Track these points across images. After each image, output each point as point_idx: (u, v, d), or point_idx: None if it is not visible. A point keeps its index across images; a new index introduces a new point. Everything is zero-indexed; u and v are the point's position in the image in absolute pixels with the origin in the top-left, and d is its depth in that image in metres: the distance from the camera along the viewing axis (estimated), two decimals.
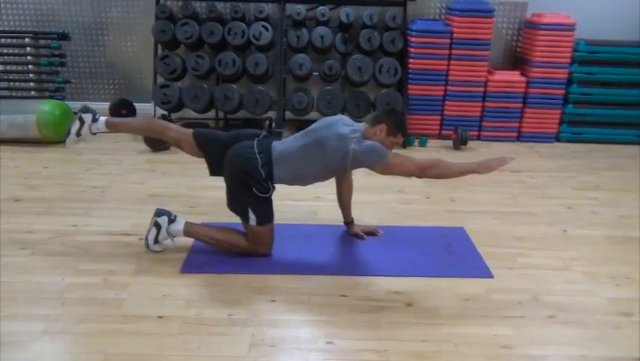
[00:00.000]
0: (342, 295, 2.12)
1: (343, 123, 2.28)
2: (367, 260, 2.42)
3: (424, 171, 2.19)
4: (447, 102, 4.35)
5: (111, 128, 2.51)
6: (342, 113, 4.22)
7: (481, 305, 2.08)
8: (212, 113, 4.39)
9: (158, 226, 2.32)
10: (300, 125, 4.64)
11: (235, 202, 2.31)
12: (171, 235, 2.35)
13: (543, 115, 4.40)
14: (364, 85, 4.25)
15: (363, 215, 2.83)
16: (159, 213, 2.34)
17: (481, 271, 2.33)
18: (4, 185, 3.19)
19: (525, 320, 1.99)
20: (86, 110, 2.47)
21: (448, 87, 4.31)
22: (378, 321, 1.95)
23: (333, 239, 2.60)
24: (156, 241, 2.35)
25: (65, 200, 3.00)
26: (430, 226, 2.79)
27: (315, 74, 4.24)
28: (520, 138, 4.48)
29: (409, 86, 4.27)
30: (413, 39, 4.20)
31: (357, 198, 2.71)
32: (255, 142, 2.28)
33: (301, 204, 3.00)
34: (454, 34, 4.17)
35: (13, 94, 4.39)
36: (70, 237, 2.55)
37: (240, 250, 2.35)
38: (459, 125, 4.25)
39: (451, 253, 2.49)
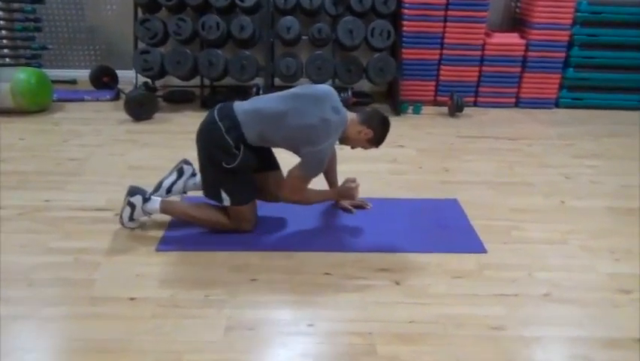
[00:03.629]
0: (327, 274, 2.00)
1: (333, 106, 2.09)
2: (355, 235, 2.30)
3: (294, 200, 2.21)
4: (442, 67, 4.16)
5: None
6: (333, 79, 4.04)
7: (473, 283, 1.97)
8: (197, 81, 4.20)
9: (132, 205, 2.19)
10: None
11: (208, 186, 2.18)
12: (147, 213, 2.22)
13: (542, 80, 4.21)
14: (356, 49, 4.04)
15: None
16: (132, 192, 2.19)
17: (473, 245, 2.22)
18: None
19: (519, 299, 1.88)
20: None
21: (444, 51, 4.11)
22: (363, 301, 1.85)
23: (320, 213, 2.48)
24: (131, 218, 2.21)
25: (40, 173, 2.85)
26: (422, 198, 2.66)
27: (304, 38, 4.02)
28: (518, 104, 4.31)
29: (403, 50, 4.07)
30: (407, 0, 3.98)
31: (346, 168, 2.58)
32: (215, 111, 2.12)
33: None
34: None
35: None
36: (42, 213, 2.41)
37: (221, 228, 2.23)
38: (455, 91, 4.08)
39: (443, 227, 2.37)
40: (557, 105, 4.34)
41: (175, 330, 1.68)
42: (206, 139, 2.10)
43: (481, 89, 4.24)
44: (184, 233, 2.25)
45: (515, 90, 4.26)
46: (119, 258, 2.07)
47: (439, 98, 4.25)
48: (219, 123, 2.06)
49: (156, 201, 2.21)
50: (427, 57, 4.13)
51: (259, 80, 4.10)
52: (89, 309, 1.77)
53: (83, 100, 4.23)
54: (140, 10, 4.08)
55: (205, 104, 4.06)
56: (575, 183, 2.91)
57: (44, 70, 4.24)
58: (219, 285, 1.92)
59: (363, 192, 2.65)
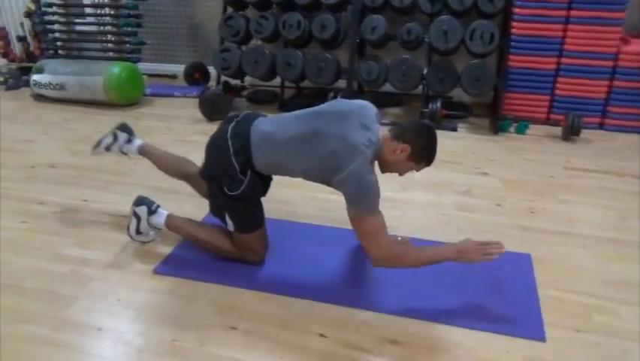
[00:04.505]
0: (321, 335, 1.63)
1: (360, 122, 1.70)
2: (375, 287, 1.87)
3: (384, 259, 1.69)
4: (560, 79, 3.42)
5: (145, 155, 2.33)
6: (424, 88, 3.55)
7: None
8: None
9: (137, 216, 2.03)
10: (378, 97, 4.07)
11: (213, 203, 1.93)
12: (153, 228, 2.05)
13: None
14: (451, 54, 3.50)
15: (403, 219, 2.26)
16: (138, 202, 2.04)
17: (529, 327, 1.66)
18: (53, 148, 3.20)
19: None
20: (122, 128, 2.32)
21: (563, 59, 3.36)
22: None
23: (345, 250, 2.09)
24: (138, 232, 2.06)
25: (95, 170, 2.88)
26: None
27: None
28: None
29: (510, 56, 3.42)
30: None
31: (403, 196, 2.15)
32: (231, 125, 1.84)
33: (320, 198, 2.49)
34: None
35: (93, 54, 4.45)
36: (73, 214, 2.39)
37: (227, 255, 1.97)
38: (574, 110, 3.32)
39: (497, 293, 1.83)
40: None
41: None
42: (213, 158, 1.85)
43: (610, 108, 3.40)
44: (190, 256, 2.04)
45: None
46: (113, 276, 1.93)
47: (552, 117, 3.51)
48: (229, 142, 1.80)
49: (162, 215, 2.03)
50: (541, 66, 3.42)
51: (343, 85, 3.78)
52: (52, 335, 1.63)
53: (172, 96, 4.31)
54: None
55: (284, 106, 3.85)
56: None
57: (147, 64, 4.43)
58: (194, 329, 1.66)
59: (411, 229, 2.20)
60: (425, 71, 3.49)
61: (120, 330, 1.65)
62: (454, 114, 3.60)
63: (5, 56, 5.03)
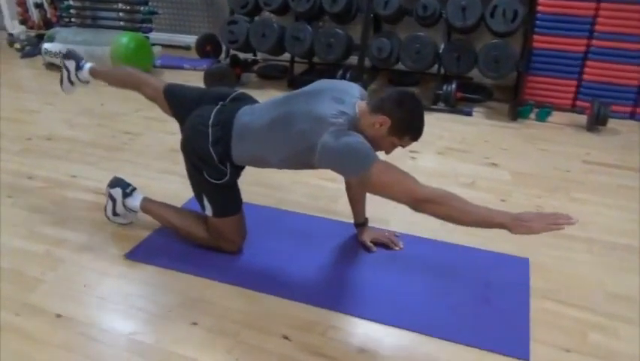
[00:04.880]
0: (284, 337, 1.53)
1: (333, 97, 1.56)
2: (354, 288, 1.74)
3: (420, 203, 1.44)
4: (589, 62, 3.14)
5: (96, 77, 2.16)
6: (439, 67, 3.32)
7: None
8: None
9: (113, 198, 1.96)
10: (391, 76, 3.87)
11: (192, 185, 1.82)
12: (128, 209, 1.97)
13: None
14: (470, 32, 3.25)
15: (394, 214, 2.11)
16: (113, 183, 1.97)
17: (512, 344, 1.50)
18: (53, 120, 3.16)
19: None
20: (69, 55, 2.17)
21: (593, 41, 3.08)
22: None
23: (331, 245, 1.96)
24: (115, 213, 1.99)
25: (89, 145, 2.82)
26: (481, 248, 1.95)
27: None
28: None
29: (535, 36, 3.14)
30: None
31: None
32: (216, 109, 1.71)
33: (312, 184, 2.36)
34: None
35: (106, 24, 4.36)
36: (60, 190, 2.35)
37: (201, 243, 1.88)
38: (603, 97, 3.04)
39: (485, 301, 1.68)
40: None
41: None
42: (190, 142, 1.73)
43: None
44: (166, 242, 1.95)
45: None
46: (84, 259, 1.87)
47: (578, 104, 3.23)
48: (210, 129, 1.67)
49: (137, 198, 1.95)
50: (568, 48, 3.14)
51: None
52: (10, 318, 1.58)
53: (182, 68, 4.21)
54: None
55: (293, 82, 3.70)
56: None
57: (161, 34, 4.32)
58: (154, 322, 1.58)
59: (403, 224, 2.06)
60: (441, 49, 3.26)
61: (79, 319, 1.59)
62: (471, 97, 3.37)
63: (24, 22, 5.03)
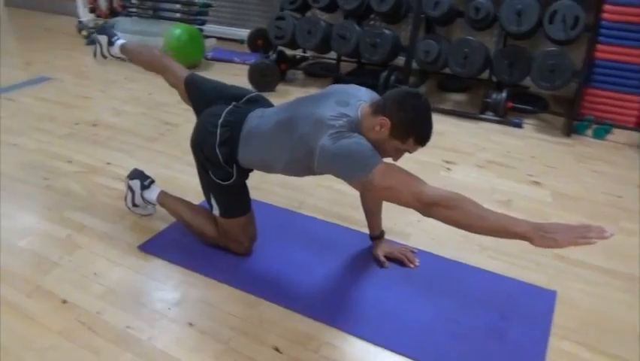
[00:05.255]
0: (275, 349, 1.48)
1: (338, 100, 1.49)
2: (357, 304, 1.66)
3: (428, 207, 1.31)
4: None
5: (126, 54, 2.17)
6: (490, 73, 3.14)
7: None
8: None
9: (131, 189, 1.99)
10: (440, 80, 3.71)
11: (200, 183, 1.80)
12: (147, 202, 2.00)
13: None
14: (526, 38, 3.04)
15: (415, 228, 2.02)
16: (132, 175, 2.00)
17: None
18: (102, 107, 3.29)
19: None
20: (102, 30, 2.20)
21: None
22: None
23: (343, 256, 1.89)
24: (134, 204, 2.03)
25: (129, 133, 2.91)
26: (506, 275, 1.81)
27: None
28: None
29: (599, 45, 2.88)
30: None
31: None
32: (228, 109, 1.68)
33: (335, 188, 2.28)
34: None
35: (165, 15, 4.48)
36: (93, 176, 2.43)
37: (212, 242, 1.87)
38: None
39: (496, 334, 1.55)
40: None
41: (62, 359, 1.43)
42: (198, 141, 1.71)
43: None
44: (179, 238, 1.96)
45: None
46: (100, 246, 1.91)
47: None
48: (218, 129, 1.65)
49: (154, 191, 1.97)
50: (635, 60, 2.85)
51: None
52: (21, 300, 1.64)
53: (232, 61, 4.26)
54: None
55: (337, 81, 3.63)
56: None
57: (217, 27, 4.38)
58: (152, 318, 1.58)
59: (424, 240, 1.96)
60: (492, 55, 3.07)
61: (82, 306, 1.62)
62: (524, 108, 3.15)
63: (93, 10, 5.29)
